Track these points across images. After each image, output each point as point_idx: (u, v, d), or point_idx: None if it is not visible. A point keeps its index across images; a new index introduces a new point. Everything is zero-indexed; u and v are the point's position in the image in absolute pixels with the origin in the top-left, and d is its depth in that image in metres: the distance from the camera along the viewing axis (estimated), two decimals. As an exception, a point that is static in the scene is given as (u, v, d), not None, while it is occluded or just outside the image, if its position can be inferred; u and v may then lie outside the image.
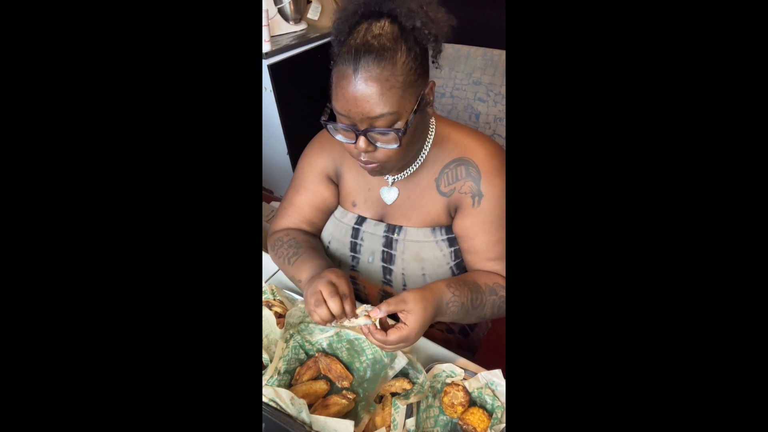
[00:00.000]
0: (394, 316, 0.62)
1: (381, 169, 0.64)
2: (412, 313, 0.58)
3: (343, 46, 0.57)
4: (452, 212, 0.73)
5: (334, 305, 0.58)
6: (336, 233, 0.79)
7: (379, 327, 0.59)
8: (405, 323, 0.58)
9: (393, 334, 0.57)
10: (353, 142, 0.60)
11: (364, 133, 0.58)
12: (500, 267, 0.71)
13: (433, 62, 0.61)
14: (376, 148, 0.60)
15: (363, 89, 0.55)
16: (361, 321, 0.59)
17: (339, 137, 0.62)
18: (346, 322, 0.60)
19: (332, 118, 0.61)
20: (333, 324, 0.61)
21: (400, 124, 0.58)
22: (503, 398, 0.62)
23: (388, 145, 0.59)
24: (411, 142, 0.62)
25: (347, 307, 0.59)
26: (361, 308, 0.60)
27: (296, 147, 1.94)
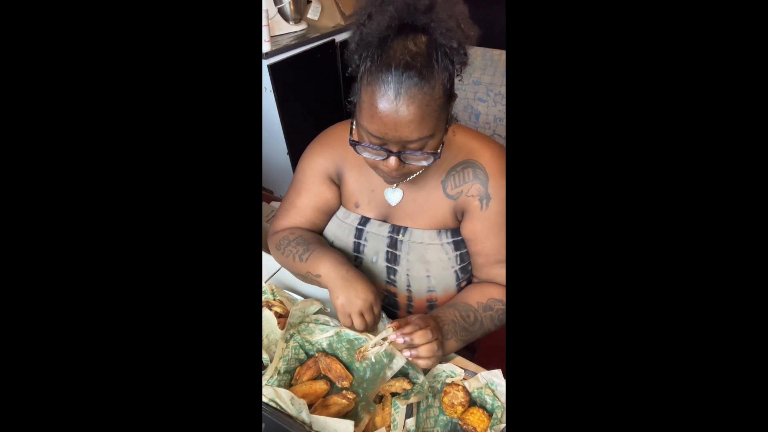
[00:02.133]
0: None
1: (401, 180, 0.65)
2: (417, 318, 0.63)
3: (377, 62, 0.53)
4: (459, 215, 0.73)
5: (370, 330, 0.67)
6: (339, 233, 0.79)
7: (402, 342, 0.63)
8: (428, 325, 0.62)
9: (417, 337, 0.60)
10: (383, 158, 0.59)
11: (398, 154, 0.57)
12: None
13: (457, 76, 0.60)
14: (404, 165, 0.59)
15: (404, 114, 0.52)
16: (385, 333, 0.63)
17: (366, 155, 0.61)
18: (375, 346, 0.64)
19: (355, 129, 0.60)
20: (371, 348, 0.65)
21: (432, 145, 0.57)
22: (503, 398, 0.62)
23: (419, 163, 0.59)
24: (438, 157, 0.62)
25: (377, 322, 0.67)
26: (377, 338, 0.64)
27: (296, 147, 1.94)
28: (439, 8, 0.52)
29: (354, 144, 0.60)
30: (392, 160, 0.57)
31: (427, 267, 0.73)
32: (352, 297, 0.67)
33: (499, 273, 0.72)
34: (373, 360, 0.67)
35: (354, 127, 0.61)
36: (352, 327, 0.68)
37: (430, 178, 0.72)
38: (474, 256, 0.74)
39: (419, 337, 0.60)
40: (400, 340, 0.60)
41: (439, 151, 0.58)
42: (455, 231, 0.74)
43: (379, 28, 0.53)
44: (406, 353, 0.61)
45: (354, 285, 0.67)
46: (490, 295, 0.71)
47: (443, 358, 0.69)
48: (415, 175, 0.70)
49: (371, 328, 0.68)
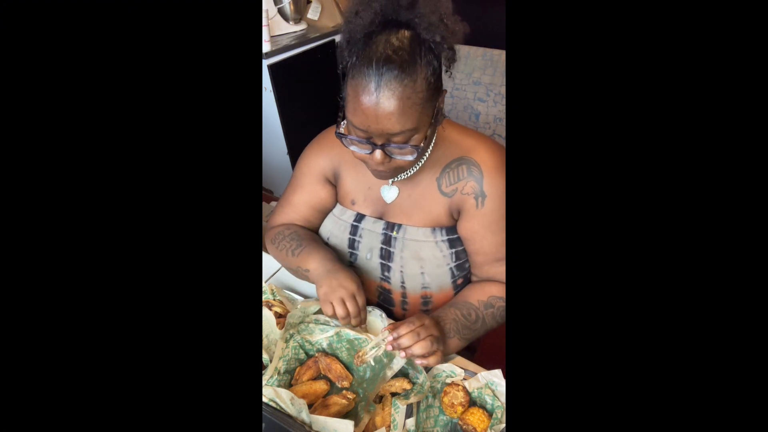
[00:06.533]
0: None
1: (391, 176, 0.66)
2: (413, 318, 0.64)
3: (361, 57, 0.55)
4: (454, 214, 0.73)
5: (354, 321, 0.67)
6: (335, 230, 0.80)
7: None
8: (422, 324, 0.63)
9: (406, 339, 0.61)
10: (368, 152, 0.60)
11: (382, 147, 0.58)
12: None
13: (446, 71, 0.61)
14: (391, 159, 0.60)
15: (384, 107, 0.54)
16: (381, 336, 0.64)
17: (353, 148, 0.62)
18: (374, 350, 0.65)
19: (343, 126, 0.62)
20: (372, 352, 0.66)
21: (417, 139, 0.58)
22: (503, 398, 0.62)
23: (404, 157, 0.60)
24: (424, 151, 0.64)
25: (363, 315, 0.68)
26: (374, 342, 0.65)
27: (296, 147, 1.94)
28: (422, 4, 0.54)
29: (341, 136, 0.61)
30: (377, 153, 0.59)
31: (421, 264, 0.74)
32: (334, 285, 0.68)
33: (499, 271, 0.73)
34: (373, 363, 0.68)
35: (343, 121, 0.62)
36: (335, 316, 0.68)
37: (426, 175, 0.72)
38: (472, 255, 0.74)
39: (408, 338, 0.61)
40: (389, 348, 0.62)
41: (422, 144, 0.58)
42: (450, 229, 0.74)
43: (364, 24, 0.55)
44: (402, 354, 0.62)
45: (336, 275, 0.69)
46: (490, 293, 0.71)
47: (446, 358, 0.69)
48: (408, 173, 0.71)
49: (357, 320, 0.68)
